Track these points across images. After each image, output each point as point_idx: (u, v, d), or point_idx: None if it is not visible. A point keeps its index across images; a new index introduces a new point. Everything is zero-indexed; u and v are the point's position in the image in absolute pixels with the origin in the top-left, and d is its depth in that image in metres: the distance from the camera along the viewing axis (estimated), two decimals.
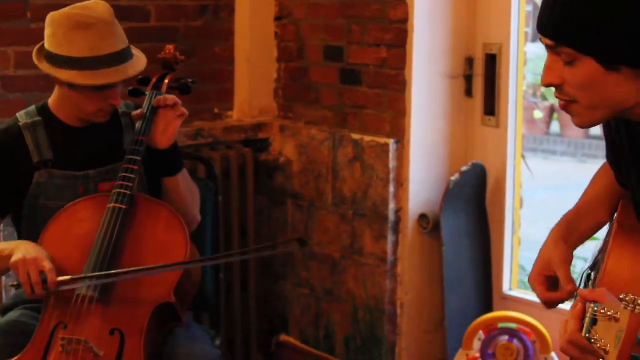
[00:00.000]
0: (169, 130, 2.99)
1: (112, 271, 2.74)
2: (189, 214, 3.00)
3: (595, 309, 1.81)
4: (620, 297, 1.73)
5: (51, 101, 2.99)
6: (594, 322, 1.80)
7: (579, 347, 1.85)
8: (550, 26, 1.90)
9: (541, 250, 2.21)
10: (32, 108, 3.01)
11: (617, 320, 1.73)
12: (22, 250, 2.73)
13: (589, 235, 2.26)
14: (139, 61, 2.93)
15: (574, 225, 2.22)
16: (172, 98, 3.01)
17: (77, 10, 2.85)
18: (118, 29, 2.87)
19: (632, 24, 1.84)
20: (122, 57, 2.84)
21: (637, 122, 1.99)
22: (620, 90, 1.89)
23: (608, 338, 1.74)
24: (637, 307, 1.70)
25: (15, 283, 2.77)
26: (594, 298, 1.84)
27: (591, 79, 1.89)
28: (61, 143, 2.96)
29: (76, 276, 2.73)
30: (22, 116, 2.98)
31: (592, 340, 1.79)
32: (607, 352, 1.73)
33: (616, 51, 1.85)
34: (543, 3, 1.94)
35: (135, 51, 2.97)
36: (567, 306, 3.57)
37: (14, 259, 2.71)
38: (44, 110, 2.98)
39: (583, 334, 1.82)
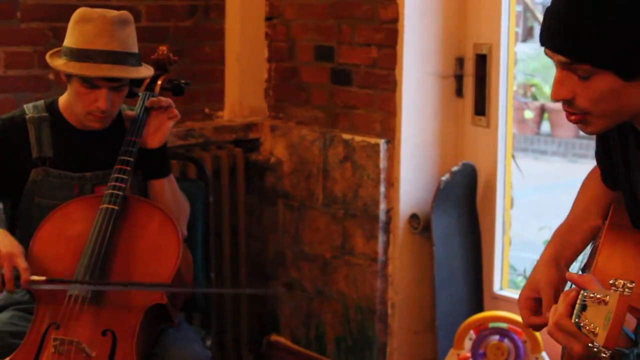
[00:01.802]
0: (160, 132, 2.99)
1: (91, 280, 2.73)
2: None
3: (585, 294, 1.82)
4: (610, 282, 1.74)
5: (61, 99, 2.98)
6: (584, 307, 1.82)
7: (564, 331, 1.85)
8: (565, 44, 1.87)
9: (533, 270, 2.21)
10: (41, 102, 2.99)
11: (606, 303, 1.74)
12: None
13: (583, 246, 2.25)
14: (137, 71, 2.88)
15: (567, 240, 2.21)
16: (165, 100, 3.00)
17: (95, 8, 2.87)
18: (121, 31, 2.82)
19: None
20: (115, 58, 2.81)
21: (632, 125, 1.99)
22: (635, 99, 1.89)
23: (597, 321, 1.75)
24: (627, 290, 1.71)
25: None
26: (582, 282, 1.85)
27: (609, 92, 1.87)
28: (63, 142, 2.95)
29: (49, 278, 2.72)
30: (29, 109, 2.97)
31: (582, 325, 1.80)
32: (595, 335, 1.74)
33: (636, 63, 1.84)
34: (548, 18, 1.91)
35: (145, 66, 2.93)
36: None
37: None
38: (52, 107, 2.97)
39: (573, 320, 1.83)
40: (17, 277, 2.67)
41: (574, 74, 1.89)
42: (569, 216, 2.26)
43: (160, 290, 2.78)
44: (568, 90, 1.91)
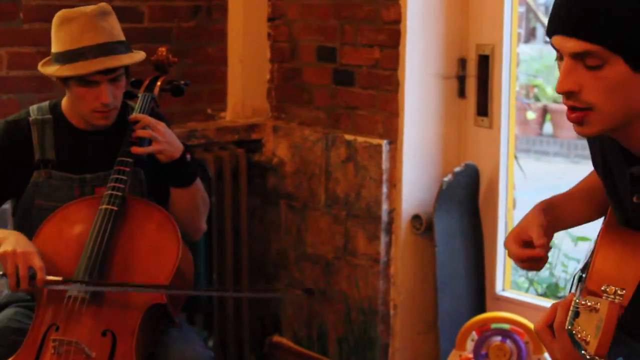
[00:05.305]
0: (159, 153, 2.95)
1: (102, 281, 2.75)
2: (195, 223, 3.01)
3: (577, 301, 1.82)
4: (602, 288, 1.74)
5: (63, 101, 2.98)
6: (577, 314, 1.81)
7: (559, 339, 1.86)
8: (579, 25, 1.83)
9: (520, 221, 2.22)
10: (45, 104, 3.00)
11: (597, 310, 1.73)
12: (12, 241, 2.73)
13: (567, 222, 2.27)
14: (130, 57, 2.87)
15: (555, 207, 2.23)
16: (144, 132, 2.92)
17: (73, 8, 2.87)
18: (104, 22, 2.83)
19: None
20: (105, 49, 2.81)
21: (614, 138, 1.98)
22: None
23: (589, 329, 1.74)
24: (617, 297, 1.71)
25: (1, 272, 2.73)
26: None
27: (618, 83, 1.84)
28: (65, 144, 2.95)
29: (66, 278, 2.72)
30: (34, 110, 2.97)
31: (574, 332, 1.79)
32: (587, 343, 1.73)
33: None
34: (559, 4, 1.87)
35: (135, 52, 2.93)
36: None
37: (2, 248, 2.70)
38: (55, 109, 2.98)
39: (566, 327, 1.83)
40: (31, 277, 2.68)
41: (583, 65, 1.86)
42: (568, 191, 2.29)
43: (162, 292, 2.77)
44: (574, 82, 1.86)
